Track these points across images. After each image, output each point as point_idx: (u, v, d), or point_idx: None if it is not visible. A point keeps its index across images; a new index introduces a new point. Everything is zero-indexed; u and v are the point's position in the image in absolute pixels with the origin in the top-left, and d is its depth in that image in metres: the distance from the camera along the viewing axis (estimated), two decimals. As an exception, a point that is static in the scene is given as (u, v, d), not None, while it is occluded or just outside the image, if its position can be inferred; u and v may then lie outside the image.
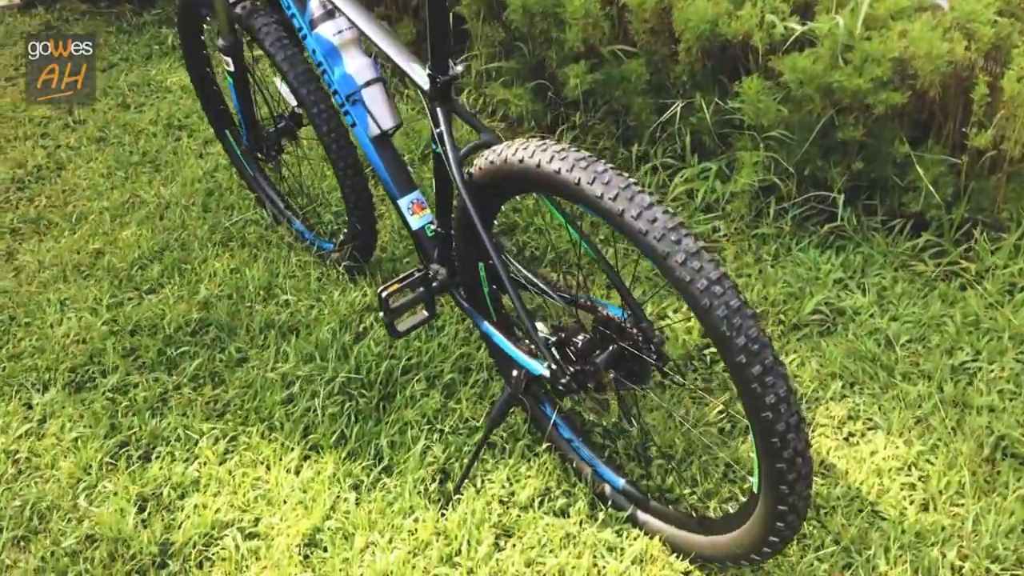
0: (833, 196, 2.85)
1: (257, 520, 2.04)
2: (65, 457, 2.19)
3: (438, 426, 2.25)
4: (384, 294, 1.92)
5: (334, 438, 2.20)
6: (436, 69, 1.83)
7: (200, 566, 1.95)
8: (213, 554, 1.98)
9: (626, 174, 1.58)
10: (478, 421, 2.26)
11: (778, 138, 2.83)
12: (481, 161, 1.78)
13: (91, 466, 2.16)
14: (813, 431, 2.28)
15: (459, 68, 1.84)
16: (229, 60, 2.48)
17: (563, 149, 1.63)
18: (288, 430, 2.23)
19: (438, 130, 1.88)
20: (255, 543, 1.99)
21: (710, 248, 1.47)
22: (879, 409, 2.30)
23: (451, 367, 2.39)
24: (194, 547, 1.98)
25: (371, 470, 2.14)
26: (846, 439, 2.25)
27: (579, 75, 3.11)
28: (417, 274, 1.96)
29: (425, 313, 2.04)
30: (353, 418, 2.26)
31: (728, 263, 2.80)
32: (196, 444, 2.22)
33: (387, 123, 2.17)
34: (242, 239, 2.95)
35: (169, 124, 3.73)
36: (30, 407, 2.36)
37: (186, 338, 2.54)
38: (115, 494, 2.08)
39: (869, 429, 2.27)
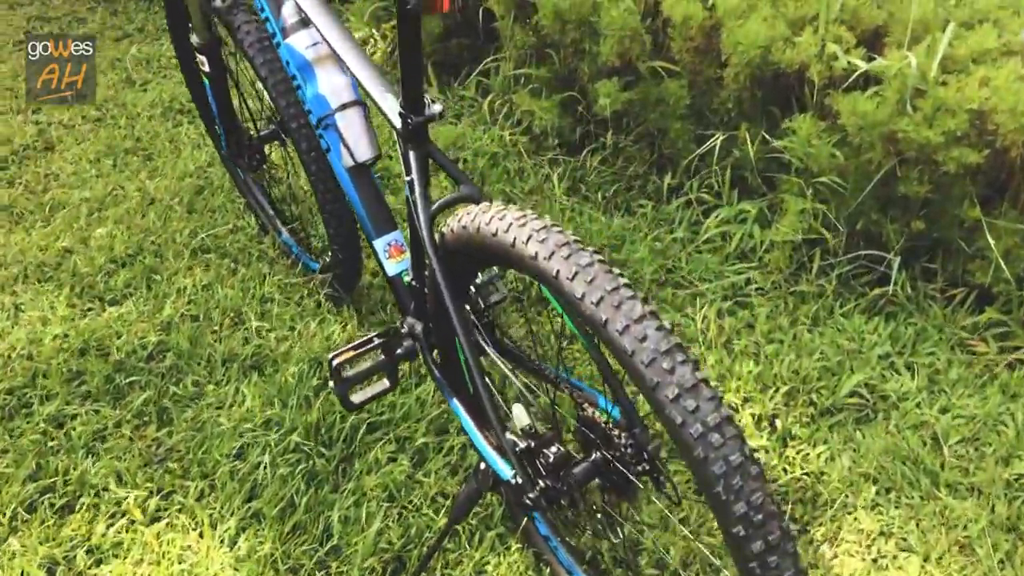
0: (888, 257, 2.49)
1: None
2: (-21, 500, 1.94)
3: (401, 500, 1.95)
4: (335, 362, 1.62)
5: (280, 506, 1.91)
6: (409, 108, 1.52)
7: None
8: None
9: (616, 270, 1.25)
10: (447, 499, 1.96)
11: (829, 185, 2.47)
12: (454, 223, 1.47)
13: (3, 515, 1.90)
14: (837, 546, 1.94)
15: (436, 108, 1.53)
16: (204, 59, 2.18)
17: (544, 228, 1.30)
18: (230, 491, 1.95)
19: (408, 178, 1.57)
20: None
21: (709, 382, 1.14)
22: (916, 527, 1.96)
23: (426, 428, 2.09)
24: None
25: (316, 551, 1.85)
26: (874, 561, 1.91)
27: (611, 92, 2.76)
28: (377, 340, 1.66)
29: (385, 383, 1.73)
30: (305, 483, 1.97)
31: (759, 322, 2.45)
32: (125, 499, 1.95)
33: (363, 154, 1.86)
34: (222, 250, 2.68)
35: (170, 107, 3.47)
36: (-45, 432, 2.11)
37: (139, 364, 2.27)
38: (23, 554, 1.82)
39: (902, 551, 1.92)
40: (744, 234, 2.70)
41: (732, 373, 2.31)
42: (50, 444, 2.07)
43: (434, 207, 1.53)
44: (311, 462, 2.01)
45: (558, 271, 1.24)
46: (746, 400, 2.25)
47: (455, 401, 1.72)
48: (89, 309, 2.47)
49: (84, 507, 1.93)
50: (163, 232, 2.75)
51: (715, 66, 2.64)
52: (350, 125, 1.84)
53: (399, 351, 1.71)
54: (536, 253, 1.27)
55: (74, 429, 2.09)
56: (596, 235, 2.75)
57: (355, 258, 2.28)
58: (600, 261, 1.25)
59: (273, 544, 1.84)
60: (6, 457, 2.03)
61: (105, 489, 1.96)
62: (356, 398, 1.70)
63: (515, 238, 1.32)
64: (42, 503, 1.93)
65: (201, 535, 1.88)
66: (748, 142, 2.64)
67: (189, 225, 2.77)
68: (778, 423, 2.19)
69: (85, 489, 1.97)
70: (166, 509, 1.94)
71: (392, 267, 1.90)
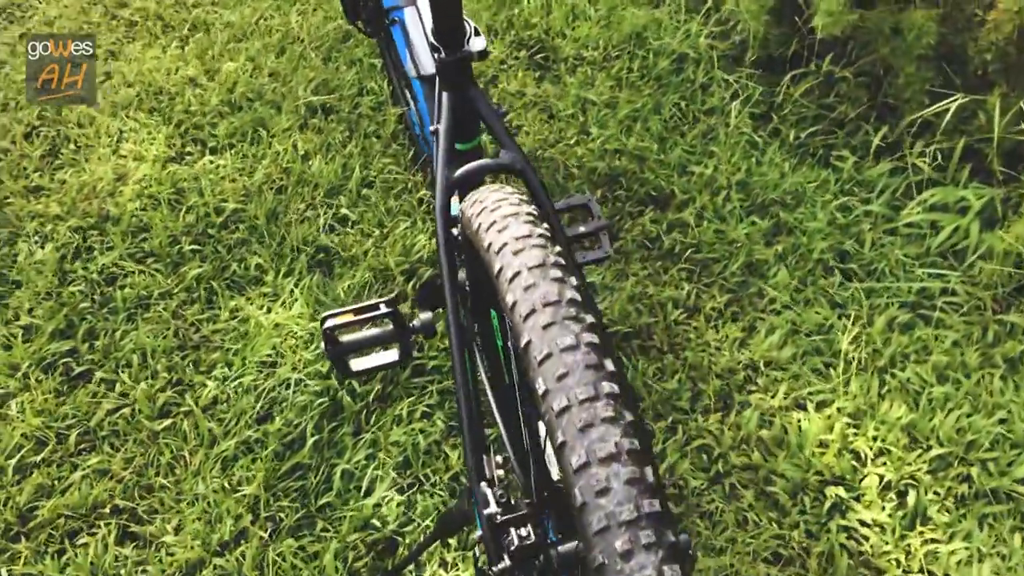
0: None
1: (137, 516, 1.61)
2: None
3: (416, 470, 1.67)
4: (328, 324, 1.30)
5: (288, 437, 1.68)
6: (440, 38, 1.10)
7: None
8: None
9: (585, 319, 0.83)
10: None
11: (1093, 199, 1.79)
12: (466, 204, 1.08)
13: (17, 371, 1.79)
14: None
15: (477, 43, 1.10)
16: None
17: (528, 236, 0.89)
18: (244, 406, 1.73)
19: (434, 127, 1.18)
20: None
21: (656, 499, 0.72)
22: None
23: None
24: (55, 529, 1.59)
25: (305, 504, 1.61)
26: None
27: (835, 10, 2.13)
28: (384, 308, 1.31)
29: (394, 355, 1.40)
30: (324, 418, 1.72)
31: (938, 350, 1.89)
32: (139, 385, 1.78)
33: (426, 66, 1.45)
34: (340, 114, 2.38)
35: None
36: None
37: (209, 230, 2.06)
38: (18, 421, 1.71)
39: None
40: (959, 228, 2.07)
41: (874, 413, 1.79)
42: (94, 298, 1.93)
43: (456, 174, 1.13)
44: (338, 395, 1.75)
45: (516, 302, 0.85)
46: (879, 455, 1.74)
47: (463, 396, 1.36)
48: (186, 154, 2.28)
49: (97, 381, 1.78)
50: (289, 79, 2.48)
51: (979, 2, 1.94)
52: (415, 26, 1.43)
53: (416, 323, 1.37)
54: (500, 268, 0.88)
55: (122, 288, 1.94)
56: (769, 185, 2.21)
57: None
58: (578, 319, 0.83)
59: (261, 483, 1.62)
60: (44, 305, 1.91)
61: (127, 366, 1.81)
62: (357, 364, 1.38)
63: (490, 242, 0.92)
64: (59, 367, 1.80)
65: (194, 451, 1.69)
66: (997, 110, 1.96)
67: (318, 77, 2.48)
68: (912, 497, 1.68)
69: (108, 361, 1.82)
70: (173, 410, 1.76)
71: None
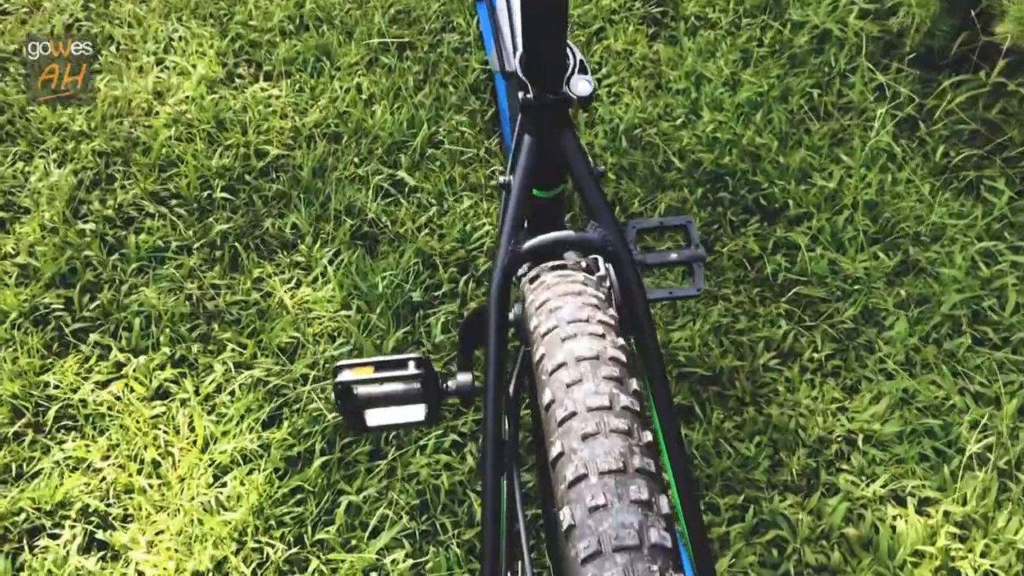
0: None
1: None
2: None
3: (435, 516, 1.41)
4: (342, 377, 1.02)
5: (294, 451, 1.43)
6: (532, 73, 0.78)
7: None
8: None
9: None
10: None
11: None
12: (524, 284, 0.79)
13: (4, 317, 1.56)
14: None
15: (584, 87, 0.78)
16: None
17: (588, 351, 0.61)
18: (249, 403, 1.48)
19: (505, 178, 0.87)
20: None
21: None
22: None
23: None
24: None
25: (300, 536, 1.37)
26: None
27: (1029, 13, 1.71)
28: (413, 367, 1.01)
29: (421, 414, 1.11)
30: (338, 433, 1.46)
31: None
32: (134, 361, 1.54)
33: (510, 64, 1.11)
34: (418, 52, 2.05)
35: None
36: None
37: (245, 176, 1.78)
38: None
39: None
40: None
41: (987, 525, 1.47)
42: (105, 239, 1.68)
43: (526, 245, 0.83)
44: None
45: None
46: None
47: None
48: (236, 76, 1.98)
49: (92, 345, 1.54)
50: (367, 1, 2.14)
51: None
52: (504, 16, 1.09)
53: (451, 385, 1.07)
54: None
55: (138, 233, 1.68)
56: (903, 211, 1.84)
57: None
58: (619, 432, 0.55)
59: (254, 506, 1.38)
60: (48, 242, 1.66)
61: (127, 330, 1.56)
62: (374, 418, 1.10)
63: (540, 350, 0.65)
64: (49, 322, 1.57)
65: (185, 450, 1.45)
66: None
67: (399, 2, 2.14)
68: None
69: (107, 322, 1.58)
70: (171, 393, 1.51)
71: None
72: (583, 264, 0.82)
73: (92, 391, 1.48)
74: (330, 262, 1.65)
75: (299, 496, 1.40)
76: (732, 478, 1.51)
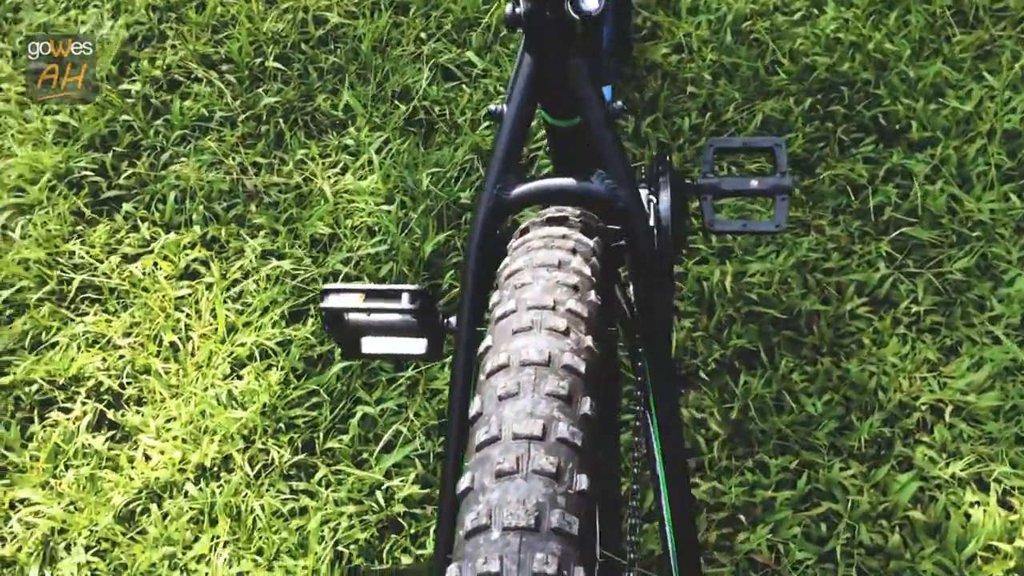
0: None
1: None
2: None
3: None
4: (329, 303, 0.91)
5: (309, 384, 1.37)
6: None
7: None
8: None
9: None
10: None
11: None
12: (515, 236, 0.66)
13: (33, 185, 1.52)
14: None
15: (595, 2, 0.62)
16: None
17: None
18: (272, 297, 1.42)
19: (496, 106, 0.72)
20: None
21: None
22: None
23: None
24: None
25: (311, 442, 1.32)
26: None
27: None
28: (407, 300, 0.90)
29: (421, 347, 1.00)
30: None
31: None
32: (163, 237, 1.48)
33: None
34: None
35: None
36: None
37: (301, 45, 1.67)
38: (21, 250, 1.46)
39: None
40: None
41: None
42: (150, 101, 1.61)
43: (515, 191, 0.69)
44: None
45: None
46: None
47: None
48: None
49: (124, 216, 1.50)
50: None
51: None
52: None
53: (453, 322, 0.95)
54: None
55: (183, 99, 1.61)
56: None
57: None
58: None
59: (265, 404, 1.33)
60: (86, 106, 1.60)
61: (161, 202, 1.51)
62: (370, 345, 1.00)
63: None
64: (83, 187, 1.52)
65: (205, 336, 1.40)
66: None
67: None
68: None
69: (142, 192, 1.52)
70: (200, 274, 1.46)
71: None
72: (584, 222, 0.67)
73: (119, 264, 1.45)
74: (378, 150, 1.54)
75: (314, 400, 1.35)
76: (789, 437, 1.37)
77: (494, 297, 0.57)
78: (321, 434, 1.32)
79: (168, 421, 1.33)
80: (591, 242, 0.63)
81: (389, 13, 1.70)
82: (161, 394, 1.35)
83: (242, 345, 1.37)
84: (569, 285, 0.55)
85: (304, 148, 1.55)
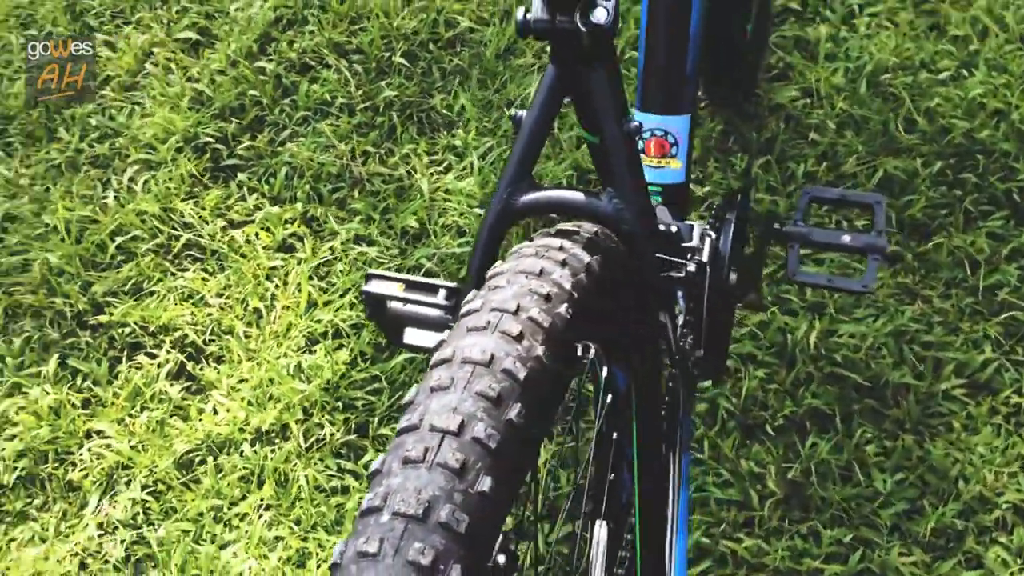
0: None
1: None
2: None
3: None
4: (371, 288, 0.95)
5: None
6: None
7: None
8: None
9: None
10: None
11: None
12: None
13: (169, 137, 1.64)
14: None
15: (603, 13, 0.62)
16: None
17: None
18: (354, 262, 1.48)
19: (516, 112, 0.73)
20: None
21: None
22: None
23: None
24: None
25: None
26: None
27: None
28: (443, 296, 0.92)
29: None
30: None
31: None
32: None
33: None
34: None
35: None
36: None
37: (430, 46, 1.73)
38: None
39: None
40: None
41: None
42: (281, 80, 1.70)
43: (519, 201, 0.70)
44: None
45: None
46: None
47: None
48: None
49: (236, 184, 1.59)
50: None
51: None
52: None
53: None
54: None
55: (312, 82, 1.69)
56: None
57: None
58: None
59: (330, 381, 1.38)
60: (227, 75, 1.71)
61: (272, 176, 1.59)
62: (413, 337, 1.03)
63: None
64: (207, 152, 1.62)
65: (287, 308, 1.47)
66: None
67: None
68: None
69: (258, 165, 1.61)
70: (293, 248, 1.53)
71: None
72: (592, 238, 0.67)
73: (224, 229, 1.54)
74: (483, 155, 1.57)
75: (375, 385, 1.39)
76: (850, 510, 1.31)
77: (469, 295, 0.58)
78: (376, 419, 1.36)
79: (240, 382, 1.40)
80: (589, 258, 0.63)
81: (520, 23, 1.73)
82: (239, 355, 1.42)
83: (319, 321, 1.43)
84: (540, 294, 0.56)
85: (413, 143, 1.61)
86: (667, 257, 0.93)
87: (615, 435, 0.82)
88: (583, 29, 0.65)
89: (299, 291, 1.47)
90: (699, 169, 1.63)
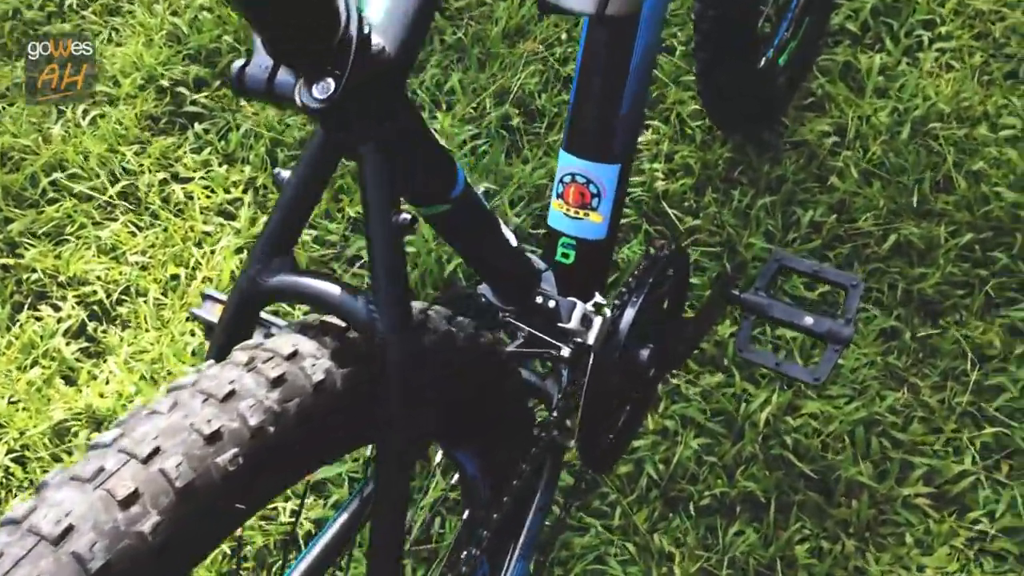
0: None
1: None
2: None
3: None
4: (202, 313, 0.88)
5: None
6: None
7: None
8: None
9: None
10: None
11: None
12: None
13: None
14: None
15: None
16: None
17: None
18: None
19: (279, 171, 0.64)
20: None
21: None
22: None
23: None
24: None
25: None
26: None
27: None
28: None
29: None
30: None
31: None
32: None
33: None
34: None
35: None
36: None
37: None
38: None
39: None
40: None
41: None
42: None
43: (268, 281, 0.61)
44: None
45: None
46: None
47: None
48: None
49: (192, 135, 1.54)
50: None
51: None
52: None
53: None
54: None
55: None
56: None
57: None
58: None
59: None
60: (210, 13, 1.65)
61: (229, 131, 1.54)
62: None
63: None
64: (169, 92, 1.58)
65: (208, 279, 1.42)
66: None
67: None
68: None
69: (219, 117, 1.56)
70: (231, 215, 1.48)
71: (554, 216, 0.96)
72: (350, 345, 0.59)
73: (165, 181, 1.50)
74: (462, 145, 1.50)
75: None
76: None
77: (134, 409, 0.51)
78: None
79: (141, 352, 1.37)
80: (333, 371, 0.55)
81: (532, 3, 1.64)
82: (146, 324, 1.39)
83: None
84: (203, 434, 0.48)
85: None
86: (537, 341, 0.84)
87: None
88: (301, 103, 0.53)
89: (224, 264, 1.43)
90: (695, 198, 1.52)
